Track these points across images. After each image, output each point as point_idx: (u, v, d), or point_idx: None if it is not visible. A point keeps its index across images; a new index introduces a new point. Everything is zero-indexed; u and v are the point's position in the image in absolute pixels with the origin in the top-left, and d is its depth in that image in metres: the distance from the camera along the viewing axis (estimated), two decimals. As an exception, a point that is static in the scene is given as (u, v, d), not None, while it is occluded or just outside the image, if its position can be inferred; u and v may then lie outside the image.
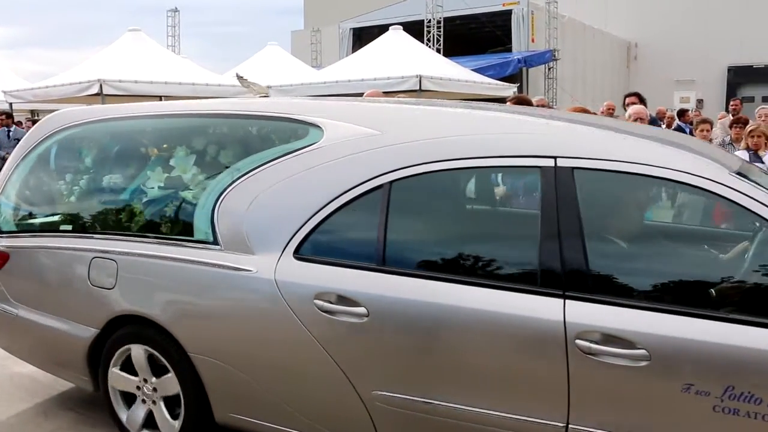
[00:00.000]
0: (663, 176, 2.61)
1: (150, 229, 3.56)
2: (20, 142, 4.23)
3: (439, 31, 19.66)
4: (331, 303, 2.93)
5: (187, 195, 3.47)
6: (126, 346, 3.57)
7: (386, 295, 2.88)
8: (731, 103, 12.30)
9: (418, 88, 11.37)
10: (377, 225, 2.99)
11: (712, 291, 2.55)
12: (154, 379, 3.51)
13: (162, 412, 3.52)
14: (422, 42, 17.26)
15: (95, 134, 3.99)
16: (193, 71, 14.01)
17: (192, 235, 3.40)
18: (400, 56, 13.07)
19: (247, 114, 3.61)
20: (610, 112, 10.79)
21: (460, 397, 2.77)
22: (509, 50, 22.47)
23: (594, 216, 2.77)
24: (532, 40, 21.85)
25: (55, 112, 4.26)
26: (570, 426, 2.57)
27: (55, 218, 3.92)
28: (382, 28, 14.90)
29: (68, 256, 3.75)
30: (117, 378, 3.64)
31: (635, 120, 6.64)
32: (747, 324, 2.37)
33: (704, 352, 2.39)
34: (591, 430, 2.55)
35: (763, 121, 8.44)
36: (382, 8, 23.64)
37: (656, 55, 27.48)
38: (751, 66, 26.12)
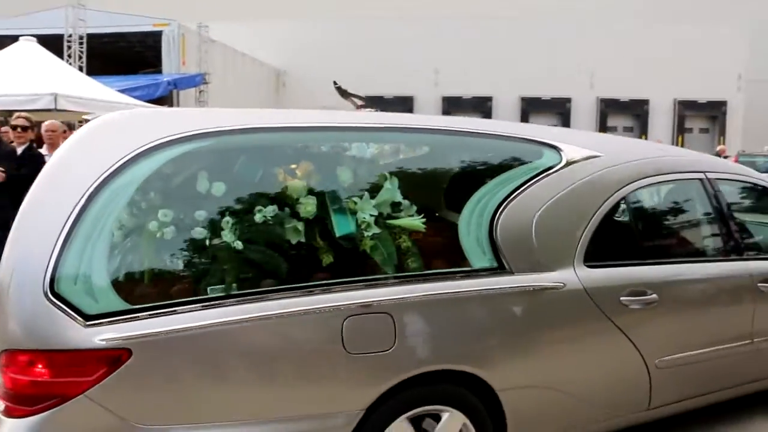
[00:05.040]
0: (751, 182, 4.40)
1: (404, 263, 3.00)
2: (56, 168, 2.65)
3: (82, 48, 18.71)
4: (629, 297, 3.45)
5: (415, 222, 3.05)
6: (402, 417, 2.91)
7: (668, 280, 3.68)
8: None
9: (53, 107, 10.73)
10: (634, 229, 3.86)
11: None
12: None
13: None
14: (62, 58, 16.29)
15: (235, 151, 2.92)
16: None
17: (468, 265, 3.13)
18: (34, 72, 12.15)
19: (475, 132, 3.50)
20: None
21: (716, 342, 3.83)
22: (161, 72, 22.22)
23: (731, 206, 4.15)
24: (183, 63, 21.89)
25: (125, 116, 2.91)
26: None
27: (232, 277, 2.69)
28: (16, 40, 13.70)
29: (289, 323, 2.68)
30: None
31: None
32: None
33: None
34: None
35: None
36: (18, 17, 21.69)
37: (303, 83, 29.39)
38: (382, 96, 29.30)
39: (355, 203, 2.92)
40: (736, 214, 4.18)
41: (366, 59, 28.98)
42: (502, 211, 3.21)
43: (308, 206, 2.84)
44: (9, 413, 2.44)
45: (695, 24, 29.01)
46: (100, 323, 2.42)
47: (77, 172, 2.58)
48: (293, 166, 2.97)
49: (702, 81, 29.24)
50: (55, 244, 2.43)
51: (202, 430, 2.57)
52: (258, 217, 2.76)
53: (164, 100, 18.58)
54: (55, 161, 2.72)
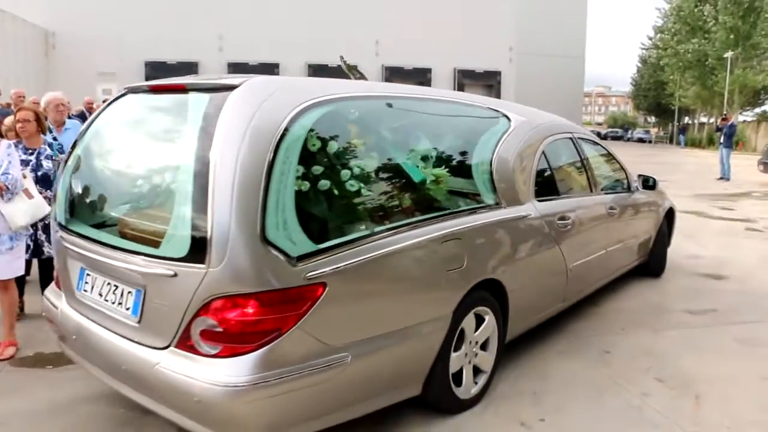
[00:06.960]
0: (590, 139, 6.41)
1: (453, 202, 3.88)
2: (243, 132, 2.85)
3: None
4: (559, 221, 4.99)
5: (442, 171, 3.81)
6: (467, 316, 3.93)
7: (573, 208, 5.28)
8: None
9: None
10: (550, 173, 5.19)
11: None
12: (476, 333, 4.08)
13: (481, 356, 4.17)
14: None
15: (355, 111, 3.47)
16: None
17: (483, 202, 4.19)
18: None
19: (466, 102, 4.67)
20: (20, 100, 10.24)
21: (595, 250, 5.76)
22: None
23: (588, 156, 6.04)
24: (-72, 19, 19.08)
25: (270, 80, 3.28)
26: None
27: (366, 216, 3.25)
28: None
29: (422, 249, 3.52)
30: (455, 361, 3.89)
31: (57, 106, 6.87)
32: None
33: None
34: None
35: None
36: None
37: (77, 46, 26.97)
38: (165, 62, 27.75)
39: (408, 156, 3.62)
40: (591, 162, 5.98)
41: (146, 22, 27.22)
42: (494, 161, 4.36)
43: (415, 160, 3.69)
44: (228, 353, 2.74)
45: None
46: (302, 263, 2.83)
47: (260, 130, 2.83)
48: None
49: (479, 52, 31.03)
50: (259, 195, 2.72)
51: (372, 341, 3.17)
52: (396, 166, 3.52)
53: None
54: (227, 120, 2.88)
